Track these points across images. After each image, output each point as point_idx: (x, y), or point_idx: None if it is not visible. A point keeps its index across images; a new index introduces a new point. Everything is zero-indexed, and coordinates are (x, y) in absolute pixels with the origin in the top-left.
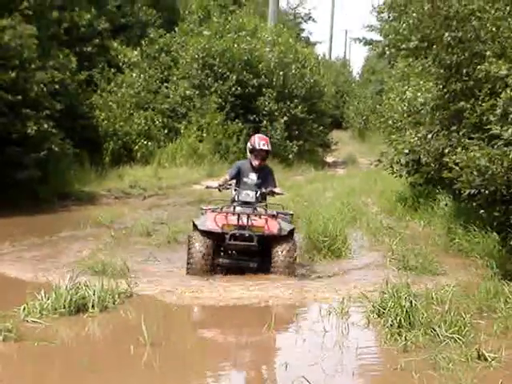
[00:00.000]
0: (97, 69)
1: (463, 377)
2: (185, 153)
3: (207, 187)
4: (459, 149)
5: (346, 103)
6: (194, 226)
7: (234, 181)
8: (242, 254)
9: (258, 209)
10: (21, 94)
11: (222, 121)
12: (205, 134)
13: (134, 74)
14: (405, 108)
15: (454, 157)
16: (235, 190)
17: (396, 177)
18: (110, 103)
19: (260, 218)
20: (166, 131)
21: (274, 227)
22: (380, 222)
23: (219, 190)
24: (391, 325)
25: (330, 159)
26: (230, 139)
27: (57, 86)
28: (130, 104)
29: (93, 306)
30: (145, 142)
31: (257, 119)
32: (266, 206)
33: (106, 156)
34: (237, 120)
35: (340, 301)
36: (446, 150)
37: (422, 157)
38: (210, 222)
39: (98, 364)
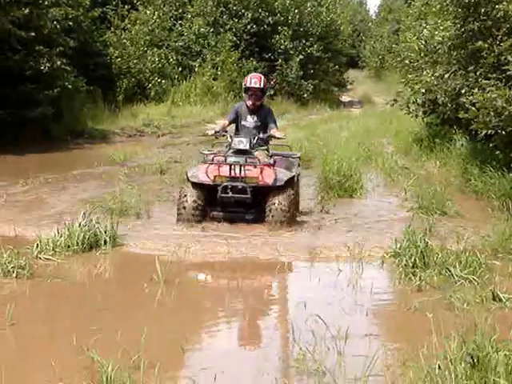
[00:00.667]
0: (111, 6)
1: (478, 317)
2: (199, 91)
3: (203, 135)
4: (476, 89)
5: (362, 42)
6: (187, 176)
7: (233, 125)
8: (237, 205)
9: (257, 155)
10: (34, 31)
11: (237, 59)
12: (219, 72)
13: (148, 12)
14: (422, 47)
15: (471, 97)
16: (230, 136)
17: (412, 117)
18: (124, 41)
19: (255, 167)
20: (180, 69)
21: (268, 177)
22: (395, 162)
23: (216, 137)
24: (405, 265)
25: (345, 98)
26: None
27: (70, 23)
28: (143, 41)
29: (105, 243)
30: (158, 80)
31: (272, 57)
32: (268, 149)
33: (120, 94)
34: (252, 58)
35: (354, 242)
36: (463, 91)
37: (438, 97)
38: (201, 174)
39: (111, 301)
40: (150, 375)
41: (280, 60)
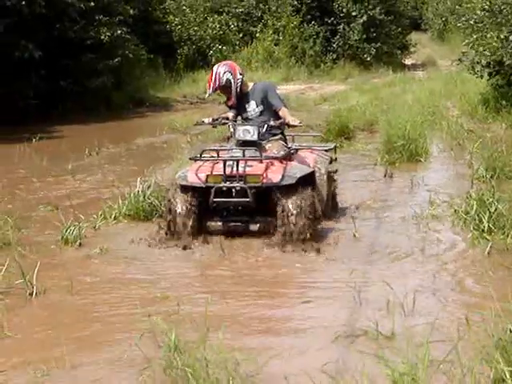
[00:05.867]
0: None
1: None
2: (260, 57)
3: (196, 124)
4: None
5: (424, 4)
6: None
7: (239, 118)
8: (239, 213)
9: (269, 148)
10: (93, 1)
11: (298, 24)
12: (281, 38)
13: None
14: (486, 7)
15: None
16: (233, 125)
17: (477, 77)
18: (184, 8)
19: (261, 162)
20: (240, 35)
21: (275, 174)
22: (460, 125)
23: (213, 126)
24: (475, 229)
25: (408, 62)
26: (306, 42)
27: None
28: (203, 8)
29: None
30: (219, 47)
31: (333, 21)
32: (285, 139)
33: (181, 61)
34: (313, 22)
35: (419, 206)
36: None
37: (503, 58)
38: (190, 174)
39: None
40: None
41: (342, 24)
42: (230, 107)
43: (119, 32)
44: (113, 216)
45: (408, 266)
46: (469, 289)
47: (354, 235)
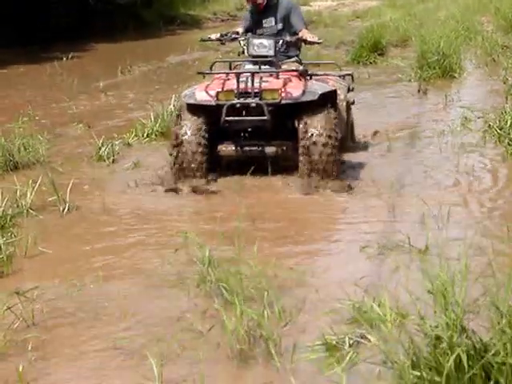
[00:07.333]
0: None
1: None
2: None
3: (202, 40)
4: None
5: None
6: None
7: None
8: (253, 135)
9: (287, 68)
10: None
11: None
12: None
13: None
14: None
15: None
16: (246, 39)
17: None
18: None
19: (277, 77)
20: None
21: (294, 90)
22: (495, 41)
23: (222, 43)
24: (509, 144)
25: None
26: None
27: None
28: None
29: None
30: None
31: None
32: (301, 61)
33: None
34: None
35: (453, 122)
36: None
37: None
38: (199, 92)
39: None
40: None
41: None
42: (257, 11)
43: None
44: (145, 134)
45: (442, 180)
46: (502, 202)
47: (388, 150)
